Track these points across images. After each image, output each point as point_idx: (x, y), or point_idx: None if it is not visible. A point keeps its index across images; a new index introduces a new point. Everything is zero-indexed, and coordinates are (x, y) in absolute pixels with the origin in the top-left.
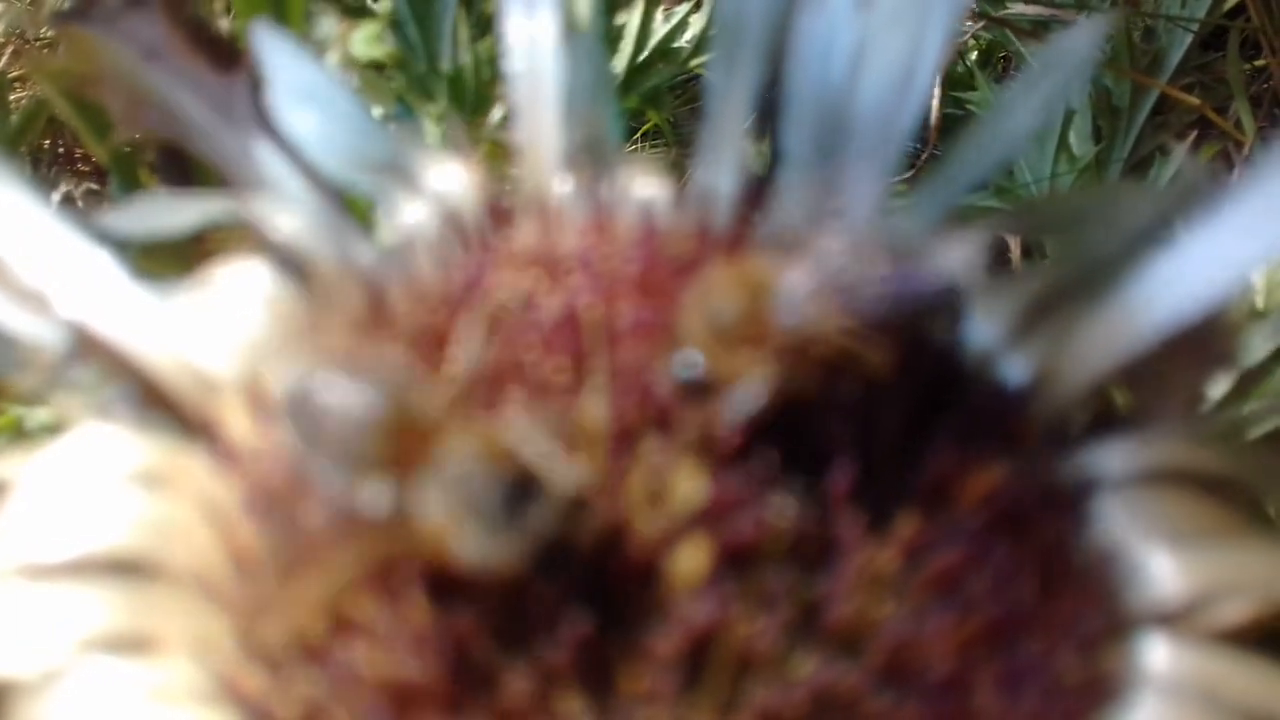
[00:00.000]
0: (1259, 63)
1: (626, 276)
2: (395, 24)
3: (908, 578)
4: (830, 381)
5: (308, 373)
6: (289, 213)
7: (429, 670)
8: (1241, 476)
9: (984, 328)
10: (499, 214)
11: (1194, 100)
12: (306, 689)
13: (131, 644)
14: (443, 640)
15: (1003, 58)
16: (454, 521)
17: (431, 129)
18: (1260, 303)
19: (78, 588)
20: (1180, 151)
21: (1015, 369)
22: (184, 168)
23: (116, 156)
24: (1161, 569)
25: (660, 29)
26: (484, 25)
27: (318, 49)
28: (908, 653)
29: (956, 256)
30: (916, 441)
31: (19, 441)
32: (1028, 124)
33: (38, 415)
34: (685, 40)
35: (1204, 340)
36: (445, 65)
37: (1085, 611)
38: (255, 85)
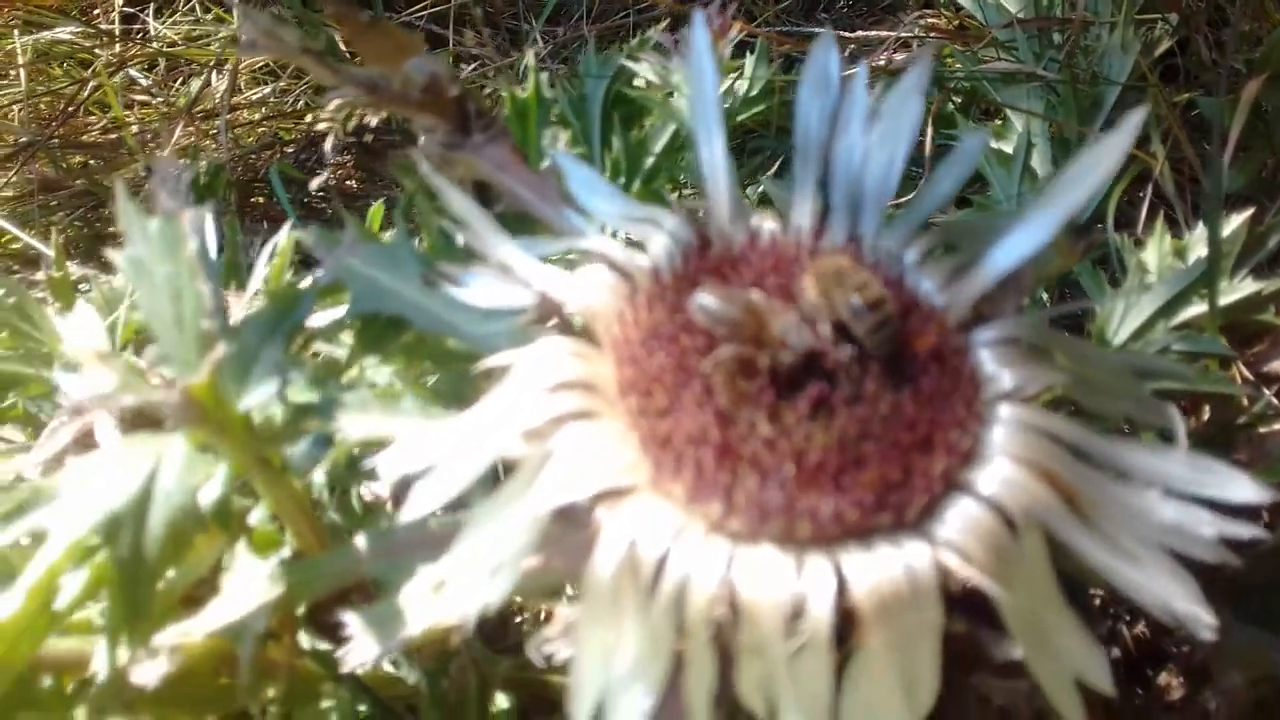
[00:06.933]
0: (1179, 98)
1: (766, 265)
2: (563, 118)
3: (893, 384)
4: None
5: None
6: (601, 245)
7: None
8: (1039, 340)
9: (928, 281)
10: (703, 240)
11: None
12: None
13: (586, 416)
14: (712, 411)
15: (982, 99)
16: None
17: None
18: (1153, 277)
19: (561, 395)
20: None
21: (941, 299)
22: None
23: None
24: (1003, 375)
25: None
26: (626, 120)
27: (550, 149)
28: (894, 408)
29: (915, 253)
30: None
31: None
32: (950, 189)
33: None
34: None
35: (1013, 284)
36: (595, 145)
37: (969, 393)
38: (558, 178)
